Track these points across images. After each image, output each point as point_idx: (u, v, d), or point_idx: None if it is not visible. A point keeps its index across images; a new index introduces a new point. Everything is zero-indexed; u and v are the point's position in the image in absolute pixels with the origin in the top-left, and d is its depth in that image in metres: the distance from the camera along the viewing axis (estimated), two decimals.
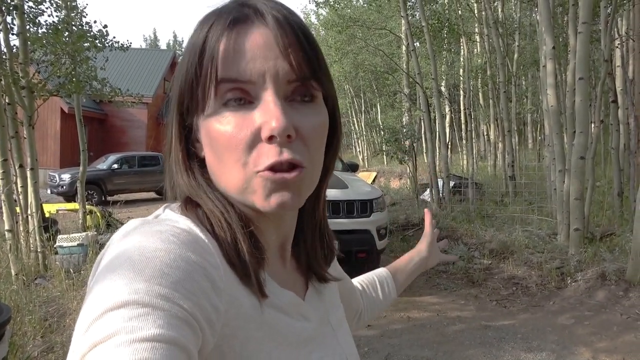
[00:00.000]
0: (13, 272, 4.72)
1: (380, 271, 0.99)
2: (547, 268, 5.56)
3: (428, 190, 10.30)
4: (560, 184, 6.48)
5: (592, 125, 7.77)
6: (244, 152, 0.48)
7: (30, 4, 5.92)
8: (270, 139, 0.47)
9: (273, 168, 0.48)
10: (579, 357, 3.73)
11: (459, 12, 13.00)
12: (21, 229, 5.39)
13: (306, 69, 0.50)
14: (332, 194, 5.01)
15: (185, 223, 0.49)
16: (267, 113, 0.47)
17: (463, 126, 16.35)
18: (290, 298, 0.56)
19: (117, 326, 0.36)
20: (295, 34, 0.49)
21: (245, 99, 0.49)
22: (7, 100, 5.15)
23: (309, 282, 0.63)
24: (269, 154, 0.48)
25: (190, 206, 0.52)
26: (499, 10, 13.22)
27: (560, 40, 10.74)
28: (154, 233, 0.45)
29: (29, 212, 5.48)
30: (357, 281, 0.94)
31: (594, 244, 5.90)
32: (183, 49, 0.54)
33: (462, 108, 16.38)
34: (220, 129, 0.49)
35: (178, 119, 0.53)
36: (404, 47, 15.09)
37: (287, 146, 0.48)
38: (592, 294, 4.95)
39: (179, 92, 0.52)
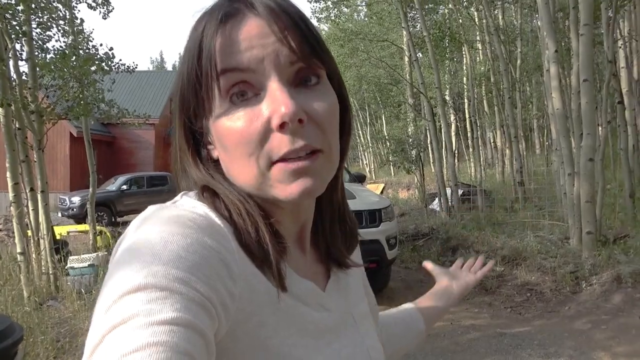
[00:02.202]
0: (25, 294, 4.75)
1: (405, 306, 0.92)
2: (561, 273, 5.48)
3: (437, 199, 10.25)
4: (570, 188, 6.42)
5: (600, 127, 7.71)
6: (257, 146, 0.48)
7: (39, 30, 6.06)
8: (282, 126, 0.46)
9: (287, 157, 0.47)
10: None
11: (460, 20, 13.08)
12: (33, 251, 5.42)
13: (306, 47, 0.49)
14: None
15: (202, 208, 0.49)
16: (275, 101, 0.46)
17: (469, 134, 16.34)
18: (309, 287, 0.55)
19: (136, 309, 0.37)
20: (290, 18, 0.49)
21: (250, 92, 0.48)
22: (17, 125, 5.23)
23: (331, 272, 0.62)
24: (281, 144, 0.47)
25: (207, 194, 0.52)
26: (500, 17, 13.29)
27: (563, 44, 10.74)
28: (171, 217, 0.45)
29: (40, 234, 5.53)
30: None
31: (607, 247, 5.81)
32: (180, 57, 0.54)
33: (467, 116, 16.39)
34: (231, 126, 0.48)
35: (184, 124, 0.54)
36: (406, 58, 15.18)
37: (300, 132, 0.47)
38: (608, 298, 4.86)
39: (181, 98, 0.52)
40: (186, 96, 0.52)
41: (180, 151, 0.55)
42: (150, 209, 0.49)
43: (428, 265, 1.01)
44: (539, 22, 9.29)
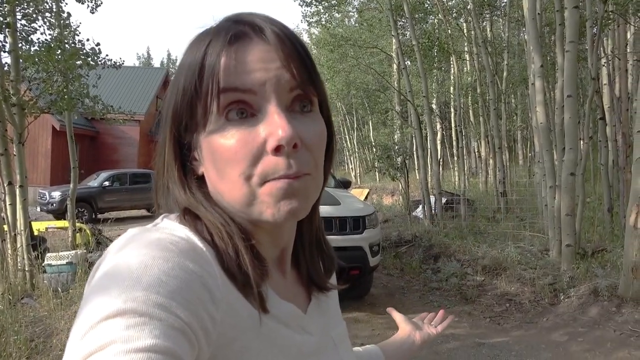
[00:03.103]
0: (1, 292, 4.63)
1: (370, 347, 0.90)
2: (540, 284, 5.55)
3: (420, 206, 10.33)
4: (551, 200, 6.52)
5: (581, 142, 7.87)
6: (249, 166, 0.48)
7: (23, 22, 5.94)
8: (278, 149, 0.47)
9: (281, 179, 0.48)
10: None
11: (449, 31, 13.23)
12: (9, 247, 5.30)
13: (305, 75, 0.51)
14: (324, 210, 5.00)
15: (183, 231, 0.49)
16: (273, 124, 0.47)
17: (454, 143, 16.51)
18: (291, 310, 0.55)
19: (114, 335, 0.36)
20: (292, 45, 0.51)
21: (247, 112, 0.49)
22: None
23: (312, 295, 0.63)
24: (277, 167, 0.48)
25: (189, 216, 0.52)
26: (488, 30, 13.50)
27: (548, 59, 10.94)
28: (152, 240, 0.45)
29: (17, 230, 5.41)
30: None
31: (585, 260, 5.92)
32: (176, 69, 0.54)
33: (453, 125, 16.56)
34: (224, 143, 0.49)
35: (173, 137, 0.53)
36: (395, 66, 15.28)
37: (294, 156, 0.48)
38: (585, 310, 4.94)
39: (173, 111, 0.52)
40: (180, 109, 0.52)
41: (167, 165, 0.54)
42: (131, 231, 0.48)
43: (392, 312, 1.02)
44: (525, 36, 9.44)
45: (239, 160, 0.48)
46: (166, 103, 0.54)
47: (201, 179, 0.54)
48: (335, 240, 4.93)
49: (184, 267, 0.43)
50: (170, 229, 0.49)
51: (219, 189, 0.52)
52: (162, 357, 0.36)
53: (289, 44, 0.50)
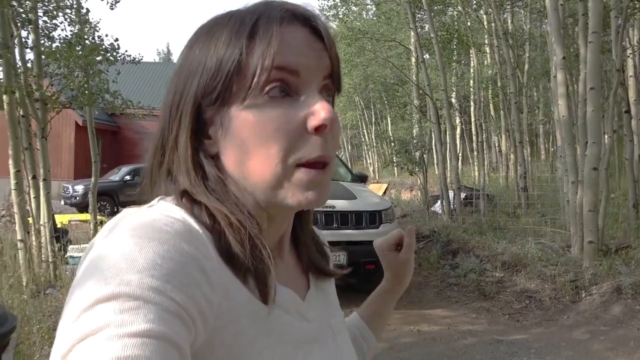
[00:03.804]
0: (24, 282, 4.75)
1: (351, 316, 0.85)
2: (561, 281, 5.45)
3: (439, 202, 10.22)
4: (574, 196, 6.38)
5: (605, 135, 7.66)
6: (289, 143, 0.49)
7: (45, 18, 6.06)
8: (319, 128, 0.49)
9: (314, 163, 0.50)
10: None
11: (469, 23, 13.01)
12: (33, 239, 5.43)
13: (337, 67, 0.54)
14: (340, 204, 4.99)
15: (179, 213, 0.48)
16: (317, 104, 0.50)
17: (474, 137, 16.27)
18: (290, 296, 0.55)
19: (108, 319, 0.36)
20: (332, 37, 0.54)
21: (288, 92, 0.50)
22: (21, 113, 5.23)
23: (310, 282, 0.62)
24: (315, 147, 0.49)
25: (186, 198, 0.51)
26: (509, 21, 13.23)
27: (572, 50, 10.67)
28: (147, 222, 0.44)
29: (41, 222, 5.53)
30: None
31: (609, 257, 5.78)
32: (199, 38, 0.53)
33: (472, 119, 16.31)
34: (263, 119, 0.49)
35: (194, 111, 0.52)
36: (413, 59, 15.12)
37: (328, 139, 0.50)
38: (608, 308, 4.83)
39: (200, 83, 0.51)
40: (213, 79, 0.51)
41: (178, 144, 0.53)
42: (125, 212, 0.48)
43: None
44: (548, 28, 9.23)
45: (279, 136, 0.49)
46: (185, 73, 0.53)
47: (212, 159, 0.53)
48: (351, 234, 4.92)
49: (179, 249, 0.42)
50: (166, 210, 0.48)
51: (244, 168, 0.51)
52: (156, 341, 0.36)
53: (329, 35, 0.53)
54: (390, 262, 0.82)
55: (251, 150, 0.49)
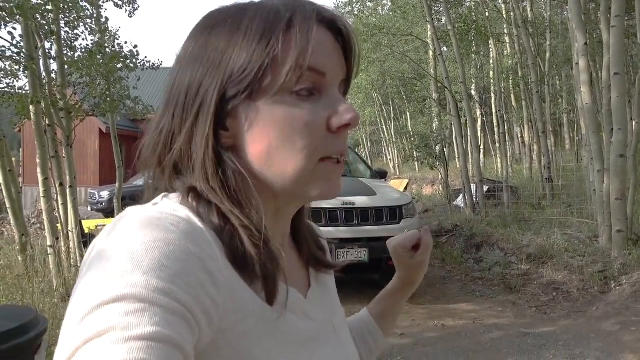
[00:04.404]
0: (55, 286, 4.90)
1: (360, 312, 0.85)
2: (589, 272, 5.33)
3: (461, 195, 10.10)
4: (600, 185, 6.22)
5: (632, 122, 7.43)
6: (314, 139, 0.51)
7: (67, 29, 6.21)
8: (343, 128, 0.52)
9: (331, 157, 0.53)
10: None
11: (487, 13, 12.79)
12: (62, 244, 5.59)
13: (355, 72, 0.57)
14: (360, 201, 4.98)
15: (183, 212, 0.47)
16: (342, 105, 0.52)
17: (495, 129, 15.99)
18: (293, 294, 0.54)
19: (113, 321, 0.36)
20: (354, 40, 0.56)
21: (315, 91, 0.52)
22: (47, 122, 5.38)
23: (311, 278, 0.62)
24: (337, 144, 0.52)
25: (192, 196, 0.50)
26: (528, 9, 12.93)
27: (594, 36, 10.39)
28: (152, 221, 0.43)
29: (69, 228, 5.69)
30: None
31: (638, 246, 5.62)
32: (229, 26, 0.51)
33: (494, 111, 16.04)
34: (291, 114, 0.50)
35: (219, 100, 0.50)
36: (430, 53, 14.95)
37: (345, 137, 0.54)
38: (639, 298, 4.70)
39: (230, 73, 0.49)
40: (242, 71, 0.49)
41: (194, 135, 0.51)
42: (129, 210, 0.47)
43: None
44: (568, 14, 8.99)
45: (305, 134, 0.50)
46: (205, 61, 0.51)
47: (228, 150, 0.51)
48: (371, 230, 4.91)
49: (185, 249, 0.42)
50: (170, 208, 0.48)
51: (269, 160, 0.50)
52: (161, 345, 0.36)
53: (354, 40, 0.55)
54: (405, 263, 0.81)
55: (277, 144, 0.50)
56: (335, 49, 0.53)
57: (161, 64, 7.95)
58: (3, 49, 5.15)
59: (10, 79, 6.09)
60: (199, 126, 0.50)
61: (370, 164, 7.84)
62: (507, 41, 14.56)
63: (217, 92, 0.50)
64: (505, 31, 14.08)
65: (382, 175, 6.73)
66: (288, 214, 0.58)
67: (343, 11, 15.55)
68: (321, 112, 0.51)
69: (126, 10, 7.44)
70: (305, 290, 0.60)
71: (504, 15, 13.08)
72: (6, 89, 6.11)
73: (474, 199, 9.38)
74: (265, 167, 0.51)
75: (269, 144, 0.50)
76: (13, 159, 6.15)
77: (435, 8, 12.49)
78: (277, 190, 0.52)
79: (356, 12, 15.33)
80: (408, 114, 23.83)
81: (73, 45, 6.22)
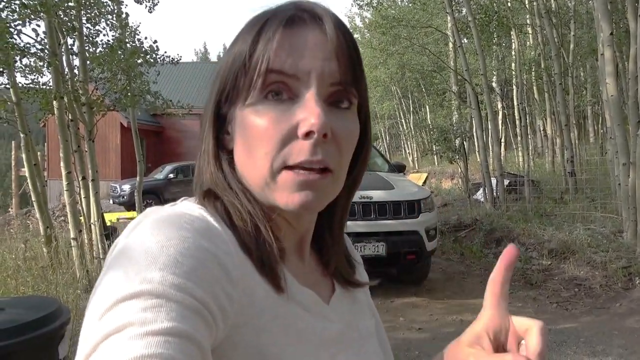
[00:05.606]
0: (78, 278, 5.02)
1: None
2: (613, 268, 5.21)
3: (481, 189, 9.97)
4: (625, 178, 6.07)
5: None
6: (276, 146, 0.49)
7: (88, 25, 6.32)
8: (308, 135, 0.48)
9: (300, 167, 0.48)
10: None
11: (509, 4, 12.53)
12: (85, 237, 5.72)
13: (350, 74, 0.51)
14: (377, 195, 4.96)
15: (198, 211, 0.49)
16: (308, 110, 0.48)
17: (517, 122, 15.72)
18: (311, 296, 0.54)
19: (130, 317, 0.37)
20: (345, 41, 0.51)
21: (286, 95, 0.50)
22: (69, 117, 5.50)
23: (336, 287, 0.61)
24: (301, 151, 0.48)
25: (208, 198, 0.52)
26: None
27: (621, 26, 10.09)
28: (168, 220, 0.45)
29: (91, 221, 5.82)
30: None
31: None
32: (230, 42, 0.56)
33: (515, 103, 15.76)
34: (257, 120, 0.50)
35: (215, 105, 0.54)
36: (450, 44, 14.74)
37: (322, 146, 0.48)
38: None
39: (220, 80, 0.54)
40: (227, 75, 0.53)
41: (205, 138, 0.55)
42: (148, 210, 0.49)
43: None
44: (594, 3, 8.75)
45: (267, 138, 0.49)
46: (216, 69, 0.56)
47: (231, 154, 0.55)
48: (390, 224, 4.89)
49: (199, 246, 0.43)
50: (186, 208, 0.50)
51: (243, 165, 0.52)
52: (178, 339, 0.36)
53: (342, 39, 0.51)
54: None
55: (248, 148, 0.51)
56: (320, 49, 0.50)
57: (180, 59, 8.04)
58: (28, 45, 5.24)
59: (34, 75, 6.24)
60: (206, 131, 0.55)
61: (388, 158, 7.79)
62: (530, 32, 14.25)
63: (214, 98, 0.54)
64: (528, 22, 13.78)
65: (400, 169, 6.69)
66: (293, 219, 0.55)
67: (362, 3, 15.41)
68: (290, 116, 0.49)
69: (146, 6, 7.52)
70: (328, 296, 0.59)
71: (527, 5, 12.80)
72: (31, 85, 6.26)
73: (494, 193, 9.25)
74: (245, 171, 0.53)
75: (242, 150, 0.52)
76: (38, 153, 6.30)
77: None
78: (256, 196, 0.52)
79: (375, 4, 15.17)
80: (427, 107, 23.61)
81: (94, 41, 6.33)
